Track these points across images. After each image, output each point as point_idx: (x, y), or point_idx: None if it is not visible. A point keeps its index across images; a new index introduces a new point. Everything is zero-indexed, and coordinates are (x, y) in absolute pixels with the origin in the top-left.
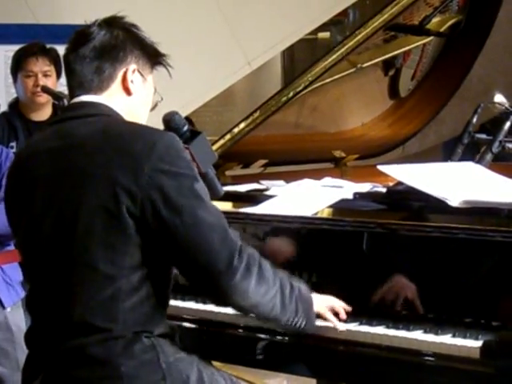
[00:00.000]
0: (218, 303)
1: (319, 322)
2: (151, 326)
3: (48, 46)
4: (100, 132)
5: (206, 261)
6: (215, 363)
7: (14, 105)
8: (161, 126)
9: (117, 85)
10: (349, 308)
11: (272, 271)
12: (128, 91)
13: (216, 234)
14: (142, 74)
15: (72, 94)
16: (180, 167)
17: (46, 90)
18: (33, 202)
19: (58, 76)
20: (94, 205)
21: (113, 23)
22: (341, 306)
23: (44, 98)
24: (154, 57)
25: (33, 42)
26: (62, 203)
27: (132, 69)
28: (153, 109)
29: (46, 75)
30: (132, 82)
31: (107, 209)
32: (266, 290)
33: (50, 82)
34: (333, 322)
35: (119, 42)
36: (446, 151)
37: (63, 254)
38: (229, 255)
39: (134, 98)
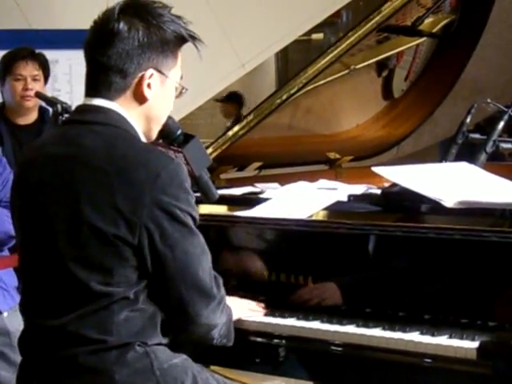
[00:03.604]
0: (178, 328)
1: (314, 325)
2: (145, 337)
3: (41, 51)
4: (104, 150)
5: (186, 290)
6: (212, 367)
7: (0, 110)
8: None
9: (131, 91)
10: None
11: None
12: (143, 98)
13: (200, 267)
14: (162, 73)
15: (86, 93)
16: (179, 199)
17: (40, 96)
18: (31, 208)
19: (46, 81)
20: (91, 226)
21: (133, 14)
22: (256, 306)
23: (32, 102)
24: (177, 44)
25: (21, 46)
26: (59, 216)
27: (149, 74)
28: (178, 96)
29: (34, 79)
30: (149, 86)
31: (105, 233)
32: (223, 320)
33: (38, 86)
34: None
35: (136, 46)
36: (443, 151)
37: (58, 270)
38: (209, 287)
39: (150, 102)
